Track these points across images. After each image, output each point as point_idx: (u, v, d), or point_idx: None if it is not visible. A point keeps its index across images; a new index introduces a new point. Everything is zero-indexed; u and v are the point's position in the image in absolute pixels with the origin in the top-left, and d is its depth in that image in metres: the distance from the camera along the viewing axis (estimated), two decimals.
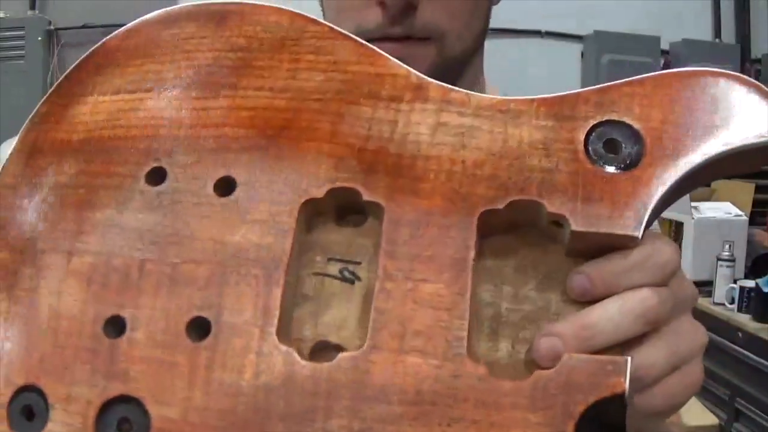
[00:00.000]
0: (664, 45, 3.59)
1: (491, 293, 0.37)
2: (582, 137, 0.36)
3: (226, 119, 0.39)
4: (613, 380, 0.33)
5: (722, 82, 0.37)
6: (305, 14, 0.43)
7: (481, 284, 0.36)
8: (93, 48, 0.44)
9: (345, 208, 0.38)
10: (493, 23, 0.69)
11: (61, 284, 0.38)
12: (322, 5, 0.63)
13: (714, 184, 2.93)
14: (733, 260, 2.29)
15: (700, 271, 2.34)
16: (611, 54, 3.44)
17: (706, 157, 0.35)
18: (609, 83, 0.38)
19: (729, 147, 0.35)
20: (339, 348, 0.36)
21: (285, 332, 0.36)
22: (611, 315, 0.35)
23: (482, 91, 0.70)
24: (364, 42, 0.41)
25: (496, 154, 0.37)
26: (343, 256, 0.38)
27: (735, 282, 2.22)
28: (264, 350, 0.35)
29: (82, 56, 0.44)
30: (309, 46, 0.41)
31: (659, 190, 0.35)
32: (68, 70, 0.44)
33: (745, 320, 2.11)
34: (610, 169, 0.36)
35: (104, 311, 0.37)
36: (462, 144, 0.37)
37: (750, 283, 2.14)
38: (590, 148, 0.36)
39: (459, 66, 0.62)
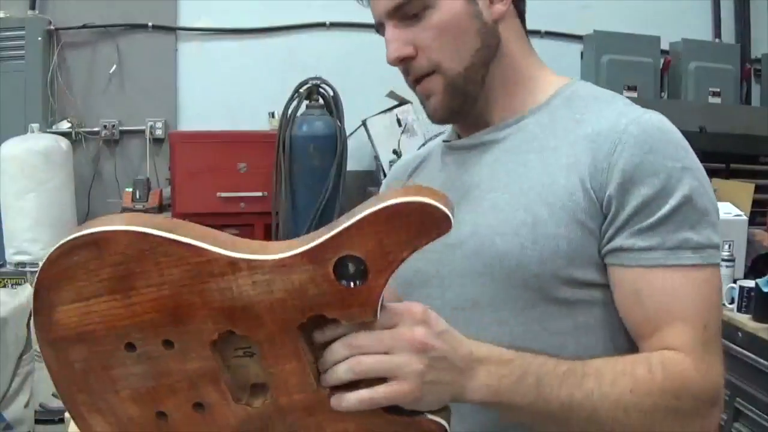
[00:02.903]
0: (664, 45, 3.59)
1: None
2: (331, 270, 0.63)
3: (144, 308, 0.65)
4: None
5: (408, 207, 0.62)
6: (146, 230, 0.63)
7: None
8: (36, 278, 0.65)
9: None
10: None
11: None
12: None
13: (714, 184, 2.93)
14: (733, 260, 2.29)
15: None
16: (611, 54, 3.44)
17: (406, 256, 0.63)
18: (340, 229, 0.62)
19: (418, 247, 0.63)
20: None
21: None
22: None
23: (535, 86, 0.89)
24: (187, 241, 0.63)
25: (290, 292, 0.64)
26: (243, 348, 0.69)
27: (735, 282, 2.22)
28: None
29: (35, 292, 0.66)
30: (160, 252, 0.63)
31: (379, 290, 0.64)
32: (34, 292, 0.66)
33: (745, 320, 2.11)
34: (352, 284, 0.64)
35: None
36: (270, 290, 0.64)
37: (750, 283, 2.14)
38: (338, 275, 0.63)
39: (473, 76, 0.84)
